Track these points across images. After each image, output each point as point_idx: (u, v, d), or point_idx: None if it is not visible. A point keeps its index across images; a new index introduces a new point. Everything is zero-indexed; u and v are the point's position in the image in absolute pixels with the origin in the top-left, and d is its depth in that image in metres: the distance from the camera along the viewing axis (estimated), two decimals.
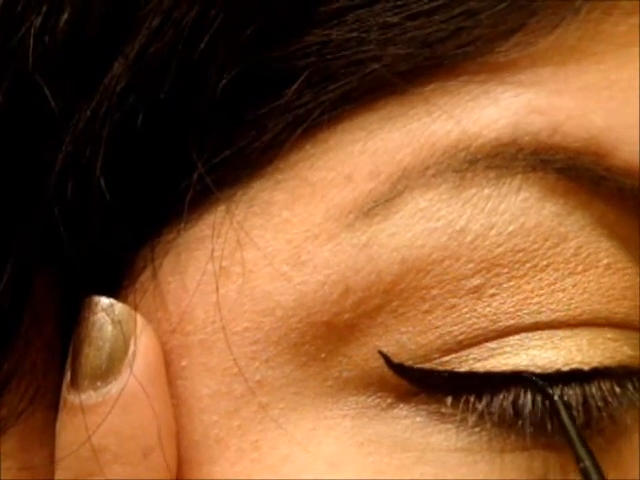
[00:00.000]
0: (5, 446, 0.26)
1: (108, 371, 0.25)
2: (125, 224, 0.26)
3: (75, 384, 0.25)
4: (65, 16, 0.25)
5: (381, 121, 0.25)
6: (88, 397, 0.25)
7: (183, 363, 0.26)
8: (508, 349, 0.25)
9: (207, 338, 0.26)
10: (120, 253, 0.26)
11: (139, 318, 0.26)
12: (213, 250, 0.25)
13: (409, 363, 0.25)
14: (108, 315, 0.25)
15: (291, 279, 0.25)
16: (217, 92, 0.25)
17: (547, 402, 0.25)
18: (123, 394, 0.25)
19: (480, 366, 0.25)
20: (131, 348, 0.25)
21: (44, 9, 0.25)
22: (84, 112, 0.25)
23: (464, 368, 0.25)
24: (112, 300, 0.26)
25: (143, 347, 0.25)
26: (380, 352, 0.25)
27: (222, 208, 0.26)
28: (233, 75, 0.25)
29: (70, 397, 0.25)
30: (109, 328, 0.25)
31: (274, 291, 0.25)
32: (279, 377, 0.26)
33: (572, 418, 0.25)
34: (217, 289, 0.25)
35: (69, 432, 0.25)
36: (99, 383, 0.25)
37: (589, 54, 0.25)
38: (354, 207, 0.25)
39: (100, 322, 0.25)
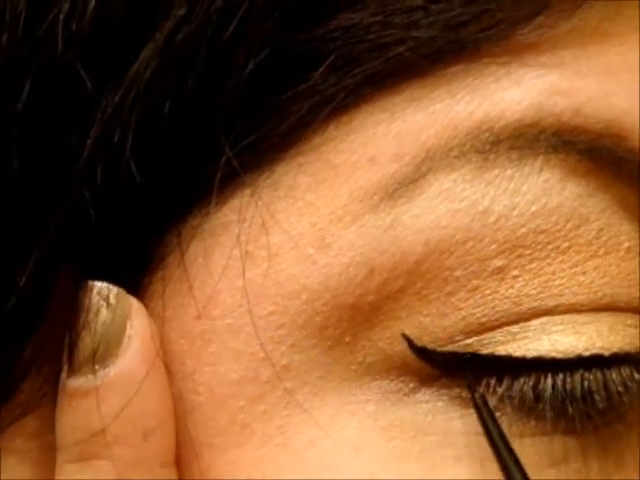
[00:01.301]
0: (29, 428, 0.26)
1: (105, 354, 0.25)
2: (152, 209, 0.26)
3: (73, 368, 0.26)
4: (92, 2, 0.25)
5: (404, 103, 0.25)
6: (86, 381, 0.25)
7: (211, 349, 0.26)
8: (530, 334, 0.25)
9: (234, 323, 0.26)
10: (146, 239, 0.26)
11: (134, 301, 0.26)
12: (239, 234, 0.26)
13: (432, 346, 0.25)
14: (103, 299, 0.26)
15: (316, 262, 0.25)
16: (244, 77, 0.25)
17: (568, 386, 0.25)
18: (121, 377, 0.25)
19: (502, 349, 0.25)
20: (127, 331, 0.25)
21: None
22: (112, 97, 0.25)
23: (485, 351, 0.25)
24: (107, 284, 0.26)
25: (139, 330, 0.26)
26: (403, 335, 0.25)
27: (247, 192, 0.26)
28: (260, 60, 0.25)
29: (69, 381, 0.26)
30: (105, 312, 0.26)
31: (299, 274, 0.25)
32: (305, 361, 0.26)
33: (497, 424, 0.25)
34: (243, 273, 0.25)
35: (69, 416, 0.26)
36: (97, 367, 0.25)
37: (610, 36, 0.26)
38: (378, 189, 0.25)
39: (96, 306, 0.26)
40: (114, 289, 0.26)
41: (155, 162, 0.25)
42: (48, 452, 0.26)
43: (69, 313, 0.26)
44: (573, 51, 0.25)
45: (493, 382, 0.25)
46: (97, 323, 0.25)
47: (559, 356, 0.25)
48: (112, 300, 0.26)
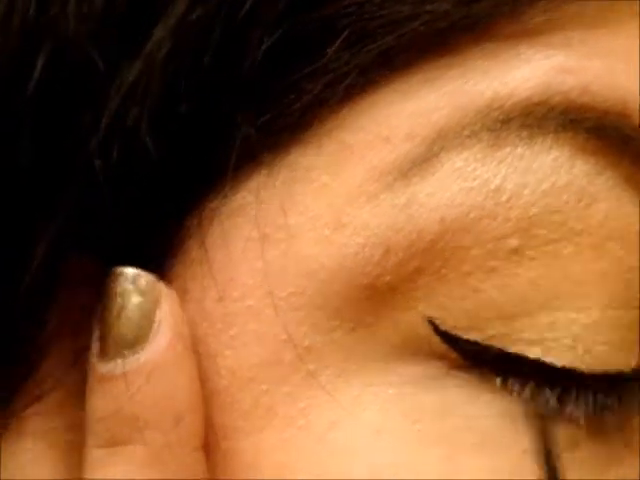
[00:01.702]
0: (52, 406, 0.26)
1: (135, 340, 0.25)
2: (170, 192, 0.26)
3: (103, 353, 0.25)
4: None
5: (417, 83, 0.26)
6: (116, 366, 0.25)
7: (232, 332, 0.26)
8: (558, 333, 0.26)
9: (254, 304, 0.26)
10: (165, 222, 0.26)
11: (164, 287, 0.26)
12: (257, 216, 0.26)
13: (454, 331, 0.25)
14: (133, 285, 0.26)
15: (333, 242, 0.25)
16: (259, 56, 0.25)
17: (598, 401, 0.26)
18: (151, 362, 0.25)
19: (530, 351, 0.25)
20: (157, 316, 0.25)
21: None
22: (126, 77, 0.25)
23: (514, 349, 0.25)
24: (137, 270, 0.26)
25: (169, 315, 0.25)
26: (428, 319, 0.25)
27: (264, 173, 0.26)
28: (275, 38, 0.25)
29: (99, 366, 0.25)
30: (135, 298, 0.25)
31: (317, 255, 0.25)
32: (327, 343, 0.26)
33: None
34: (262, 255, 0.25)
35: (99, 400, 0.25)
36: (127, 352, 0.25)
37: (616, 18, 0.26)
38: (393, 168, 0.25)
39: (126, 292, 0.26)
40: (145, 275, 0.26)
41: (171, 143, 0.25)
42: (71, 431, 0.26)
43: (97, 299, 0.26)
44: (580, 32, 0.26)
45: (517, 387, 0.26)
46: (127, 309, 0.25)
47: (586, 372, 0.25)
48: (143, 286, 0.26)
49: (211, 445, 0.26)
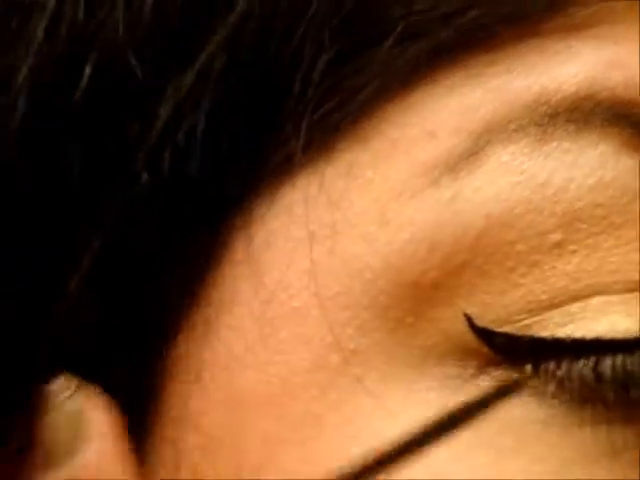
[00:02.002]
0: None
1: (66, 451, 0.25)
2: (216, 195, 0.26)
3: (38, 464, 0.25)
4: None
5: (463, 78, 0.25)
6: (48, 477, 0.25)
7: (281, 336, 0.25)
8: (589, 314, 0.25)
9: (302, 306, 0.25)
10: (212, 227, 0.26)
11: (96, 396, 0.25)
12: (304, 215, 0.25)
13: (491, 326, 0.25)
14: (63, 391, 0.25)
15: (378, 239, 0.25)
16: (317, 63, 0.25)
17: (629, 368, 0.25)
18: (83, 470, 0.25)
19: (561, 332, 0.25)
20: (86, 426, 0.25)
21: None
22: (177, 89, 0.25)
23: (545, 333, 0.25)
24: (70, 379, 0.26)
25: (101, 425, 0.25)
26: (465, 314, 0.25)
27: (308, 171, 0.26)
28: (333, 44, 0.25)
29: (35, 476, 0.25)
30: (66, 408, 0.25)
31: (362, 253, 0.25)
32: (371, 345, 0.25)
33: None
34: (310, 254, 0.25)
35: None
36: (59, 460, 0.25)
37: None
38: (438, 163, 0.25)
39: (58, 403, 0.25)
40: (74, 380, 0.25)
41: (221, 148, 0.25)
42: None
43: (34, 410, 0.26)
44: (628, 26, 0.26)
45: (552, 366, 0.25)
46: (59, 419, 0.25)
47: (618, 337, 0.25)
48: (69, 393, 0.25)
49: (264, 459, 0.25)
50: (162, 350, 0.26)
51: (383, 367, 0.25)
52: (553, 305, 0.25)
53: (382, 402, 0.25)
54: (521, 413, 0.25)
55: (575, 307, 0.25)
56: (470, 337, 0.25)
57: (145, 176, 0.25)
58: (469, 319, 0.25)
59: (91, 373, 0.26)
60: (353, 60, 0.25)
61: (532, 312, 0.25)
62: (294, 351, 0.25)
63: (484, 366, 0.25)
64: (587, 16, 0.25)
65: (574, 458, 0.25)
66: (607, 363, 0.25)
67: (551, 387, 0.25)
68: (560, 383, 0.25)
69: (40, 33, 0.25)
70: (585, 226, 0.25)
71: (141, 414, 0.26)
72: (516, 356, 0.25)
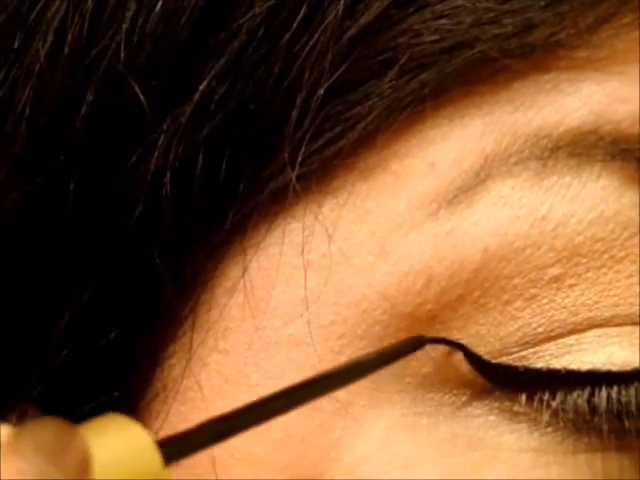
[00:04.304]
0: None
1: None
2: (214, 220, 0.26)
3: None
4: (155, 15, 0.25)
5: (465, 109, 0.25)
6: None
7: (274, 361, 0.25)
8: (585, 346, 0.25)
9: (295, 333, 0.25)
10: (208, 254, 0.26)
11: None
12: (300, 244, 0.25)
13: (486, 357, 0.25)
14: None
15: (375, 270, 0.25)
16: (318, 92, 0.25)
17: (624, 399, 0.25)
18: None
19: (556, 362, 0.25)
20: None
21: (133, 7, 0.25)
22: (180, 115, 0.25)
23: (540, 364, 0.25)
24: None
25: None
26: (459, 345, 0.25)
27: (311, 199, 0.25)
28: (338, 74, 0.25)
29: None
30: None
31: (359, 283, 0.25)
32: None
33: None
34: (305, 283, 0.25)
35: None
36: None
37: None
38: (437, 195, 0.25)
39: None
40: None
41: (219, 176, 0.25)
42: None
43: None
44: (633, 60, 0.25)
45: (546, 396, 0.25)
46: None
47: (615, 369, 0.25)
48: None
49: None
50: (155, 373, 0.26)
51: (373, 394, 0.25)
52: (550, 337, 0.25)
53: (367, 427, 0.25)
54: (514, 441, 0.25)
55: (572, 339, 0.25)
56: (465, 367, 0.25)
57: (141, 205, 0.25)
58: (465, 350, 0.25)
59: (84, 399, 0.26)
60: (354, 89, 0.25)
61: (528, 344, 0.25)
62: (286, 376, 0.25)
63: (477, 395, 0.25)
64: (591, 51, 0.25)
65: None
66: (602, 394, 0.25)
67: (545, 416, 0.25)
68: (554, 413, 0.25)
69: (42, 58, 0.25)
70: (585, 260, 0.25)
71: None
72: (511, 386, 0.25)
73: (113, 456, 0.20)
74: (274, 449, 0.25)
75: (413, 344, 0.25)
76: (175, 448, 0.21)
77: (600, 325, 0.25)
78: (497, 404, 0.25)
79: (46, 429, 0.20)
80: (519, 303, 0.25)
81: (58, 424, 0.20)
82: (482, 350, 0.25)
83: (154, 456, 0.21)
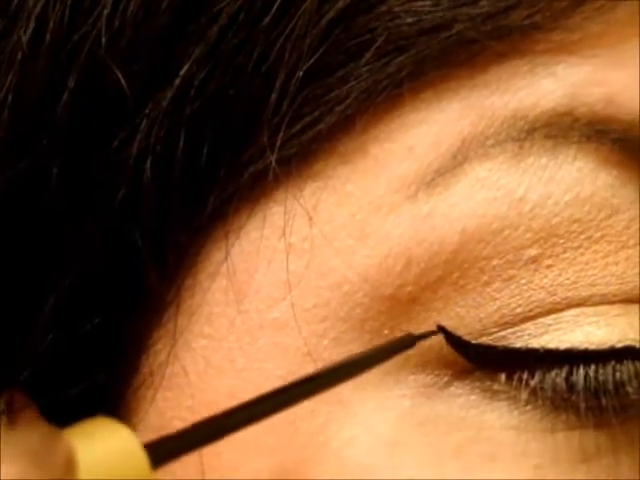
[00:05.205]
0: None
1: None
2: (197, 204, 0.26)
3: None
4: (135, 0, 0.25)
5: (441, 93, 0.26)
6: None
7: (258, 345, 0.26)
8: (563, 325, 0.26)
9: (280, 317, 0.26)
10: (190, 238, 0.26)
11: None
12: (282, 227, 0.26)
13: (467, 338, 0.26)
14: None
15: (356, 253, 0.25)
16: (297, 74, 0.25)
17: (601, 378, 0.25)
18: None
19: (535, 342, 0.26)
20: None
21: None
22: (161, 100, 0.25)
23: (519, 344, 0.26)
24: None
25: None
26: (439, 327, 0.26)
27: (287, 184, 0.26)
28: (316, 57, 0.25)
29: None
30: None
31: (340, 266, 0.25)
32: (347, 355, 0.25)
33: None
34: (287, 267, 0.25)
35: None
36: None
37: None
38: (416, 178, 0.25)
39: None
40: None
41: (202, 161, 0.26)
42: None
43: None
44: (607, 44, 0.26)
45: (525, 375, 0.25)
46: None
47: (592, 348, 0.25)
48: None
49: (235, 463, 0.25)
50: (141, 359, 0.27)
51: (358, 377, 0.25)
52: (528, 317, 0.26)
53: (353, 411, 0.25)
54: (495, 419, 0.26)
55: (550, 319, 0.26)
56: (446, 348, 0.26)
57: (128, 186, 0.25)
58: (445, 331, 0.26)
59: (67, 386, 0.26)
60: (333, 72, 0.25)
61: (507, 324, 0.26)
62: (271, 359, 0.26)
63: (458, 375, 0.26)
64: (566, 34, 0.25)
65: (548, 463, 0.25)
66: (580, 373, 0.25)
67: (524, 395, 0.25)
68: (533, 391, 0.25)
69: (24, 44, 0.25)
70: (562, 241, 0.26)
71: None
72: (491, 366, 0.26)
73: (99, 459, 0.20)
74: (262, 433, 0.25)
75: (404, 343, 0.25)
76: (163, 451, 0.21)
77: (578, 305, 0.26)
78: (478, 384, 0.26)
79: (32, 433, 0.20)
80: (498, 284, 0.26)
81: (44, 428, 0.21)
82: (462, 331, 0.26)
83: (141, 459, 0.21)
